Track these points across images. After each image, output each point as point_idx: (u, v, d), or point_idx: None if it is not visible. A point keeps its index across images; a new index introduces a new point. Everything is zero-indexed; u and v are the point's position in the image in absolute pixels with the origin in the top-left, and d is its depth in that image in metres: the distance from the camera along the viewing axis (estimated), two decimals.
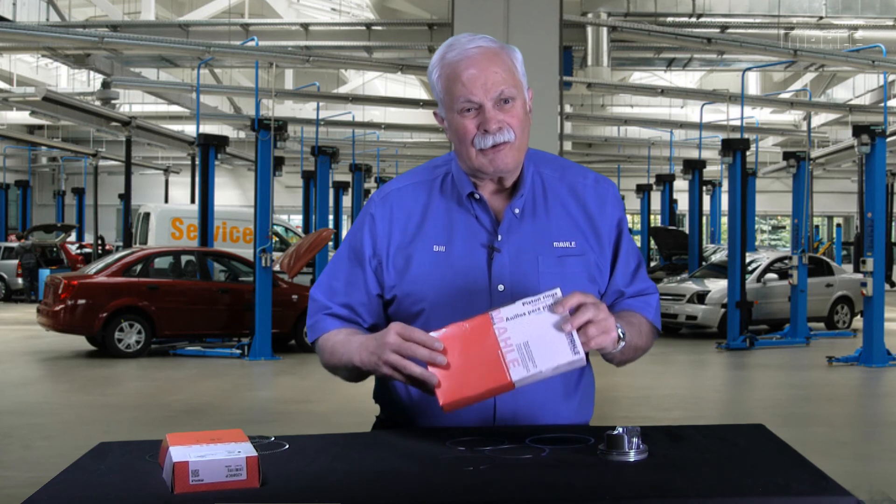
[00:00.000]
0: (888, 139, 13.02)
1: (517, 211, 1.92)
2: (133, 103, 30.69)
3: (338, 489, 1.44)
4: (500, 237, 1.90)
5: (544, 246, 1.91)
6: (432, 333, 1.67)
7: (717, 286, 15.17)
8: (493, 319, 1.66)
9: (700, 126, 23.39)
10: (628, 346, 1.81)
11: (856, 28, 21.97)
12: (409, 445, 1.68)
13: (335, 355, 1.90)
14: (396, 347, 1.67)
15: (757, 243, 26.76)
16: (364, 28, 22.04)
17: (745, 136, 17.85)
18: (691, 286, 15.65)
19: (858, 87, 29.27)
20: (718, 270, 16.18)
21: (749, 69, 22.35)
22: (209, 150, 14.24)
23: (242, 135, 31.95)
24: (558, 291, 1.67)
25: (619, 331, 1.74)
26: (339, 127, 29.74)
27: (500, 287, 1.88)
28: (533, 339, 1.65)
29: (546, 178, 1.97)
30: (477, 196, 1.92)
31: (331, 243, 17.05)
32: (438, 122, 1.96)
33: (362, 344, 1.80)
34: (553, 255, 1.91)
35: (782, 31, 21.63)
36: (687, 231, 19.70)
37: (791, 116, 31.36)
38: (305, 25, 22.23)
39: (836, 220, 41.27)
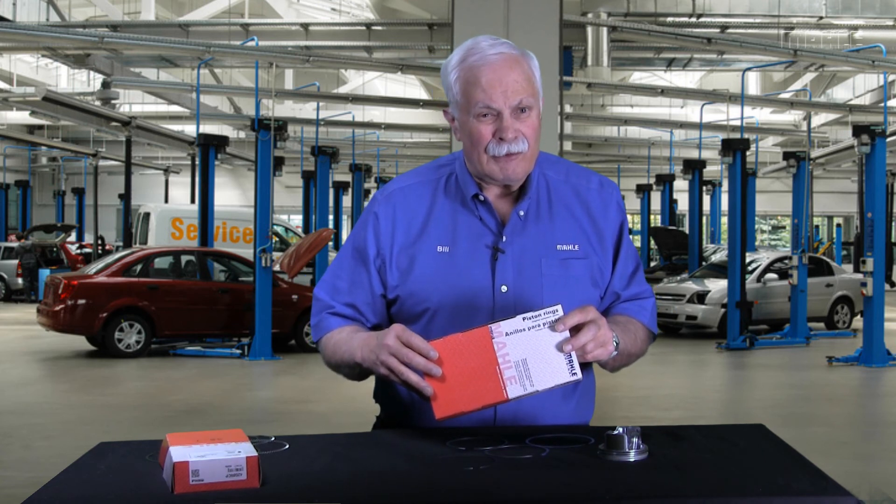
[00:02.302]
0: (888, 139, 13.02)
1: (522, 213, 1.92)
2: (133, 103, 30.69)
3: (338, 489, 1.44)
4: (504, 238, 1.90)
5: (548, 248, 1.91)
6: (431, 342, 1.66)
7: (717, 286, 15.16)
8: (493, 333, 1.65)
9: (700, 126, 23.38)
10: (622, 353, 1.83)
11: (856, 28, 21.96)
12: (409, 445, 1.68)
13: (337, 352, 1.90)
14: (394, 351, 1.68)
15: (757, 243, 26.76)
16: (364, 28, 22.03)
17: (745, 136, 17.85)
18: (691, 286, 15.65)
19: (858, 87, 29.27)
20: (718, 270, 16.18)
21: (749, 69, 22.35)
22: (209, 150, 14.23)
23: (242, 135, 31.94)
24: (559, 308, 1.66)
25: (614, 340, 1.76)
26: (339, 127, 29.74)
27: (504, 288, 1.88)
28: (531, 357, 1.64)
29: (551, 180, 1.97)
30: (482, 198, 1.92)
31: (331, 243, 17.04)
32: (448, 120, 1.96)
33: (364, 341, 1.81)
34: (556, 257, 1.91)
35: (782, 31, 21.62)
36: (687, 231, 19.70)
37: (791, 116, 31.36)
38: (305, 25, 22.23)
39: (836, 220, 41.27)
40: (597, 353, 1.69)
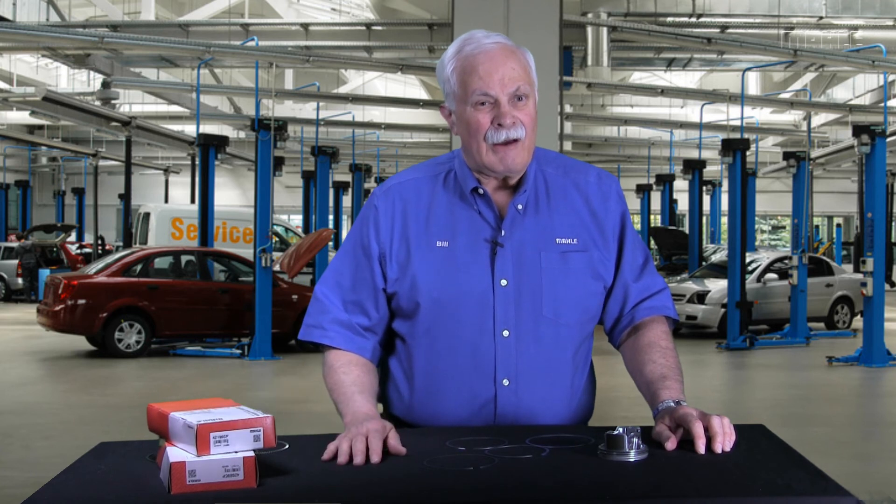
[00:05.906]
0: (888, 139, 13.02)
1: (520, 207, 1.91)
2: (133, 103, 30.69)
3: (338, 489, 1.44)
4: (503, 232, 1.90)
5: (547, 242, 1.91)
6: None
7: (717, 286, 15.16)
8: None
9: (700, 126, 23.37)
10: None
11: (856, 28, 21.97)
12: (410, 445, 1.68)
13: (333, 391, 1.89)
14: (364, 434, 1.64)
15: (757, 243, 26.75)
16: (364, 28, 22.03)
17: (745, 136, 17.85)
18: (691, 286, 15.64)
19: (858, 87, 29.27)
20: (718, 270, 16.17)
21: (749, 69, 22.35)
22: (209, 150, 14.23)
23: (242, 135, 31.94)
24: None
25: (680, 386, 1.83)
26: (339, 127, 29.73)
27: (503, 282, 1.88)
28: None
29: (549, 175, 1.97)
30: (480, 191, 1.92)
31: (331, 243, 17.04)
32: (444, 116, 1.96)
33: (355, 414, 1.78)
34: (556, 250, 1.91)
35: (782, 31, 21.62)
36: (687, 231, 19.69)
37: (791, 116, 31.36)
38: (305, 25, 22.22)
39: (836, 220, 41.27)
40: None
